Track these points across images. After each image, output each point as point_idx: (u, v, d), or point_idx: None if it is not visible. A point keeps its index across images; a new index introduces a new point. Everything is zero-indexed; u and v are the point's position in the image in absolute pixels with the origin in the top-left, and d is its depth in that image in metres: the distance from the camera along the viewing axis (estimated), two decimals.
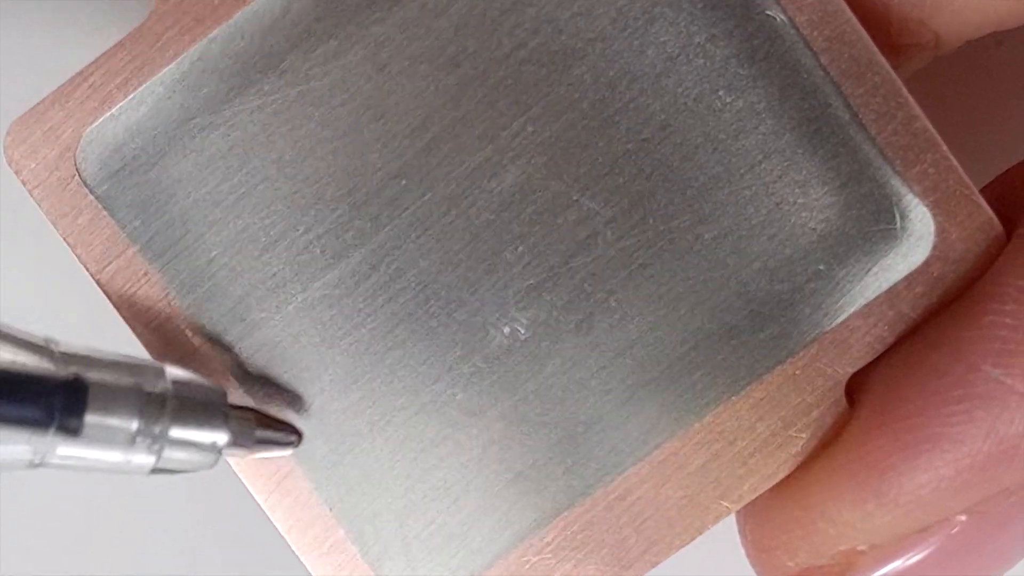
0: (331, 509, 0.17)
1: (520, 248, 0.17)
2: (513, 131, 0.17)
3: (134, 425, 0.15)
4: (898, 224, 0.17)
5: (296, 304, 0.17)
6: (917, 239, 0.17)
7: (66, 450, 0.15)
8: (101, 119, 0.17)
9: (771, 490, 0.17)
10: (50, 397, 0.14)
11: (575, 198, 0.17)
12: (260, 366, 0.17)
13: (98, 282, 0.17)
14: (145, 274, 0.17)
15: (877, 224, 0.17)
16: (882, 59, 0.17)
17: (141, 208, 0.17)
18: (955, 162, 0.17)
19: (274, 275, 0.17)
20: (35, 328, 0.15)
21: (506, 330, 0.17)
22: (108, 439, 0.15)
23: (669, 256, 0.17)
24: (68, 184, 0.17)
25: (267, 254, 0.17)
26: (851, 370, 0.17)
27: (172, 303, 0.17)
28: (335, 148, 0.17)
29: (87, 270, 0.17)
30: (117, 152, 0.17)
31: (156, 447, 0.15)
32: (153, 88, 0.17)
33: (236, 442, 0.16)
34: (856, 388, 0.17)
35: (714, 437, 0.17)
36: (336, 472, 0.17)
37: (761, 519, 0.17)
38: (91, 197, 0.17)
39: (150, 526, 0.24)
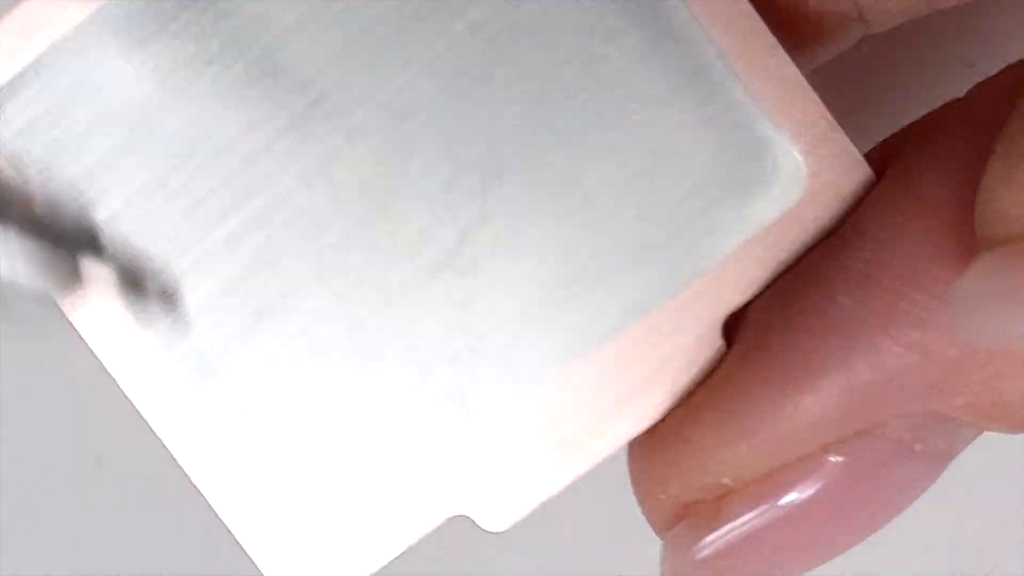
0: None
1: (411, 203, 0.18)
2: (397, 84, 0.18)
3: None
4: (770, 168, 0.17)
5: (196, 255, 0.18)
6: (788, 182, 0.17)
7: None
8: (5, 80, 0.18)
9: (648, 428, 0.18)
10: None
11: (458, 149, 0.18)
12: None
13: None
14: None
15: (750, 168, 0.17)
16: (751, 8, 0.17)
17: (46, 164, 0.18)
18: (824, 108, 0.17)
19: (174, 227, 0.18)
20: None
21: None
22: None
23: (548, 202, 0.18)
24: None
25: (165, 207, 0.18)
26: (727, 311, 0.17)
27: None
28: (228, 104, 0.18)
29: None
30: (21, 111, 0.18)
31: None
32: (50, 51, 0.18)
33: None
34: (733, 328, 0.17)
35: (596, 375, 0.18)
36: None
37: (636, 453, 0.18)
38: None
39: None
